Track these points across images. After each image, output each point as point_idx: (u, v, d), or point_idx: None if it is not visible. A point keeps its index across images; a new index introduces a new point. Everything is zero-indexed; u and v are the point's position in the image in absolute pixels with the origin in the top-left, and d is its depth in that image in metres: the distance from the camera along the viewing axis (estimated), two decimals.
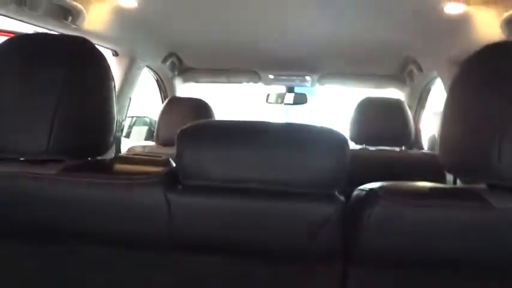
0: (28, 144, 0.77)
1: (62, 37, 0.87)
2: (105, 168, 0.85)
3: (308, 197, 0.78)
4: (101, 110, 0.83)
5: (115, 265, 0.80)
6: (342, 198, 0.80)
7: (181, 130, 0.81)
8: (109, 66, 0.86)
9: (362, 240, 0.75)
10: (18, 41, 0.84)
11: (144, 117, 3.18)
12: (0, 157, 0.79)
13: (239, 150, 0.79)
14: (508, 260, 0.73)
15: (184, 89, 2.91)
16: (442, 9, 1.48)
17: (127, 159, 0.90)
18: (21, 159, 0.80)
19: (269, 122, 0.87)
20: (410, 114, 1.88)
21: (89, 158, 0.86)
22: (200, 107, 2.05)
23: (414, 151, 2.07)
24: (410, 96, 2.59)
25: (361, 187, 0.81)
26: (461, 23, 1.52)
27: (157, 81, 2.73)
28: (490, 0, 1.36)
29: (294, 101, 3.09)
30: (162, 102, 2.77)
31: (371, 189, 0.77)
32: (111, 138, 0.86)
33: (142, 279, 0.80)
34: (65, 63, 0.80)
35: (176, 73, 2.69)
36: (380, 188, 0.77)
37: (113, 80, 0.86)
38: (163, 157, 0.90)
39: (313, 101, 6.35)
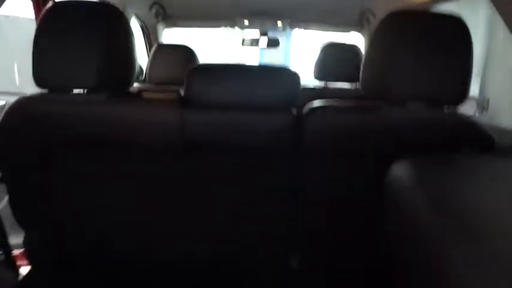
0: (79, 80, 1.09)
1: (95, 3, 1.17)
2: (138, 96, 1.20)
3: (272, 111, 1.17)
4: (127, 54, 1.15)
5: (135, 165, 1.17)
6: (294, 111, 1.19)
7: (190, 70, 1.17)
8: (129, 24, 1.18)
9: (307, 140, 1.15)
10: (62, 7, 1.11)
11: None
12: (59, 91, 1.12)
13: (229, 84, 1.16)
14: (380, 149, 1.11)
15: (167, 35, 3.17)
16: None
17: (152, 90, 1.25)
18: (75, 91, 1.13)
19: (246, 65, 1.23)
20: (363, 56, 2.27)
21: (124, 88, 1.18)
22: (186, 53, 2.38)
23: None
24: (369, 39, 2.94)
25: (309, 104, 1.20)
26: None
27: (141, 27, 2.98)
28: None
29: (267, 44, 3.39)
30: (146, 46, 3.06)
31: (314, 106, 1.16)
32: (135, 73, 1.21)
33: (161, 176, 1.18)
34: (100, 24, 1.10)
35: (160, 19, 2.95)
36: (318, 105, 1.16)
37: (133, 34, 1.19)
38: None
39: (288, 44, 6.57)
